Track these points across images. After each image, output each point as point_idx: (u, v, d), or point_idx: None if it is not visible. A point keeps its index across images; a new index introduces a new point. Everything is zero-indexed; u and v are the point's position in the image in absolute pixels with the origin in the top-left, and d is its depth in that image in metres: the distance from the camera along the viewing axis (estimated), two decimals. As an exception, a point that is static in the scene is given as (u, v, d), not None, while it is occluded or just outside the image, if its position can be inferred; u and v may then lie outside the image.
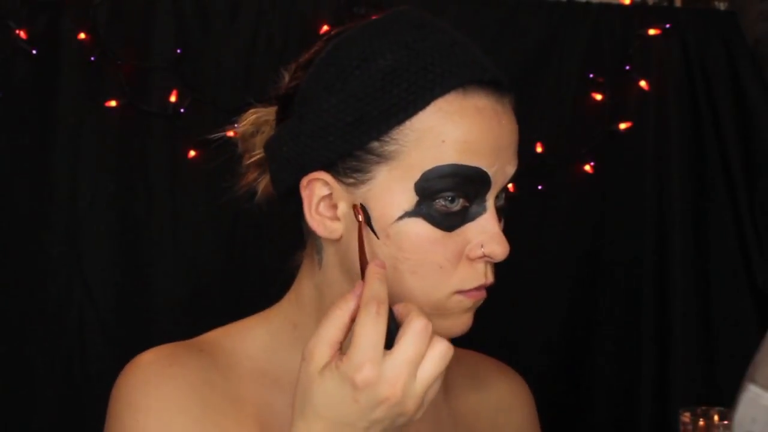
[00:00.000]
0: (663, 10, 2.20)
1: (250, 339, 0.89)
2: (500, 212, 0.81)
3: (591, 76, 2.09)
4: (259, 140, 0.89)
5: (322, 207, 0.81)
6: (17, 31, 1.87)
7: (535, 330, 2.08)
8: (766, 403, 0.77)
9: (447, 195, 0.76)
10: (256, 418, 0.85)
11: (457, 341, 0.83)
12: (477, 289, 0.80)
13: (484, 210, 0.78)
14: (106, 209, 1.94)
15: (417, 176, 0.76)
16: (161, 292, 1.95)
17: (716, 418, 1.01)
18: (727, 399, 0.95)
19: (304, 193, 0.81)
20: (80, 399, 1.89)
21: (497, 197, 0.80)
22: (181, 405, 0.82)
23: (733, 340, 2.09)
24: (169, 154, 1.96)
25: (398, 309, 0.72)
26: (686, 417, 1.02)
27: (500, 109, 0.79)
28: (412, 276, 0.78)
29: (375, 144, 0.77)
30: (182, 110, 1.94)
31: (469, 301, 0.80)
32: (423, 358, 0.70)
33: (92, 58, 1.91)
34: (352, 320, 0.72)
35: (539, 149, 2.06)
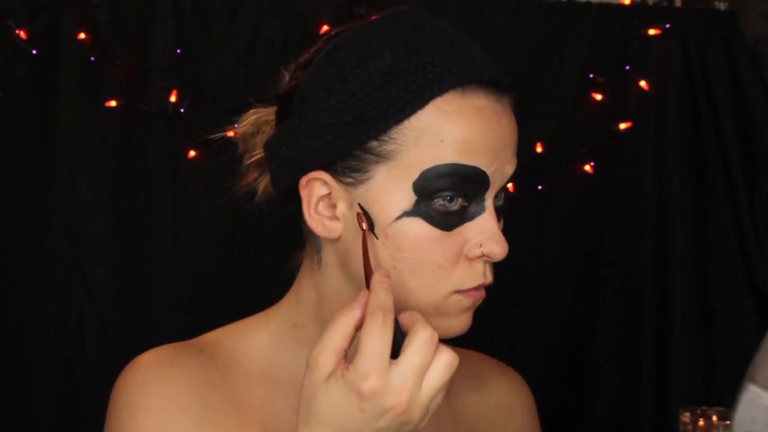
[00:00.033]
0: (663, 10, 2.20)
1: (250, 339, 0.89)
2: (499, 212, 0.80)
3: (591, 76, 2.09)
4: (260, 140, 0.89)
5: (321, 206, 0.81)
6: (17, 31, 1.87)
7: (535, 330, 2.08)
8: (766, 403, 0.77)
9: (445, 194, 0.76)
10: (255, 418, 0.85)
11: (457, 341, 0.83)
12: (476, 288, 0.79)
13: (483, 209, 0.78)
14: (106, 209, 1.94)
15: (415, 176, 0.76)
16: (161, 292, 1.95)
17: (716, 418, 1.01)
18: (727, 399, 0.95)
19: (303, 193, 0.81)
20: (80, 399, 1.89)
21: (496, 197, 0.80)
22: (181, 405, 0.82)
23: (733, 340, 2.09)
24: (169, 154, 1.96)
25: (403, 318, 0.73)
26: (686, 417, 1.02)
27: (499, 108, 0.79)
28: (411, 276, 0.78)
29: (374, 143, 0.77)
30: (182, 110, 1.94)
31: (468, 301, 0.80)
32: (429, 367, 0.70)
33: (92, 58, 1.91)
34: (357, 328, 0.72)
35: (539, 149, 2.06)
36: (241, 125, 0.90)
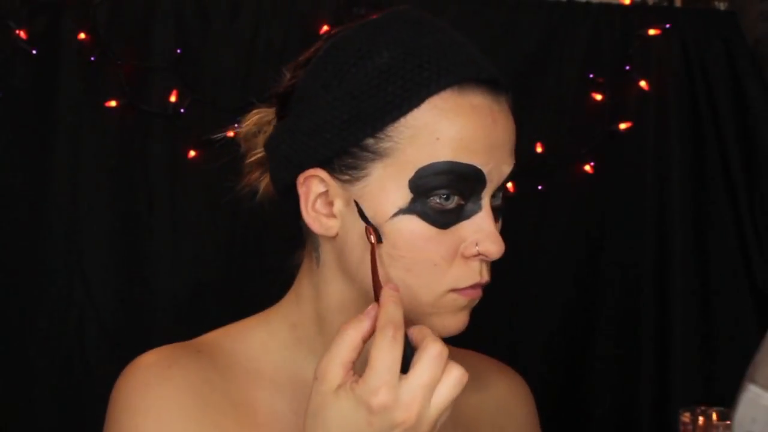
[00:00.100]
0: (663, 10, 2.20)
1: (249, 339, 0.89)
2: (497, 212, 0.80)
3: (591, 76, 2.09)
4: (261, 140, 0.89)
5: (319, 204, 0.81)
6: (17, 31, 1.87)
7: (535, 330, 2.08)
8: (766, 403, 0.77)
9: (441, 192, 0.76)
10: (255, 417, 0.85)
11: (457, 341, 0.83)
12: (472, 287, 0.79)
13: (479, 208, 0.78)
14: (106, 209, 1.94)
15: (411, 173, 0.76)
16: (161, 292, 1.95)
17: (716, 418, 1.01)
18: (727, 399, 0.95)
19: (301, 190, 0.81)
20: (80, 399, 1.89)
21: (494, 196, 0.80)
22: (180, 406, 0.82)
23: (733, 340, 2.09)
24: (169, 154, 1.96)
25: (413, 333, 0.73)
26: (686, 417, 1.02)
27: (496, 107, 0.79)
28: (407, 274, 0.78)
29: (370, 141, 0.77)
30: (182, 110, 1.94)
31: (464, 300, 0.80)
32: (438, 382, 0.70)
33: (92, 58, 1.91)
34: (365, 340, 0.72)
35: (539, 149, 2.06)
36: (243, 125, 0.91)
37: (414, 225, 0.77)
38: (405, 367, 0.70)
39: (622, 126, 2.10)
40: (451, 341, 0.78)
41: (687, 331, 2.09)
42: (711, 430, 0.99)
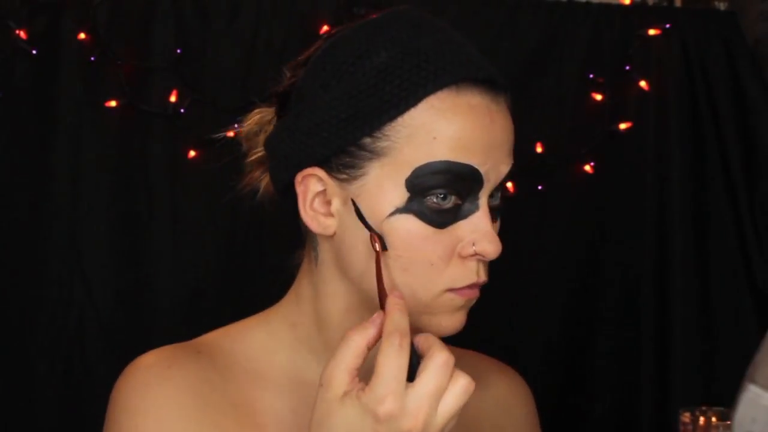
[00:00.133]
0: (663, 10, 2.20)
1: (249, 339, 0.89)
2: (495, 212, 0.80)
3: (591, 76, 2.10)
4: (262, 139, 0.89)
5: (317, 203, 0.81)
6: (17, 31, 1.87)
7: (535, 330, 2.08)
8: (766, 403, 0.77)
9: (438, 192, 0.76)
10: (255, 418, 0.85)
11: (457, 341, 0.83)
12: (469, 287, 0.79)
13: (476, 208, 0.78)
14: (106, 209, 1.94)
15: (408, 173, 0.76)
16: (161, 292, 1.95)
17: (716, 418, 1.01)
18: (727, 399, 0.95)
19: (299, 189, 0.81)
20: (80, 399, 1.89)
21: (492, 196, 0.79)
22: (180, 406, 0.82)
23: (733, 340, 2.09)
24: (169, 154, 1.96)
25: (419, 341, 0.72)
26: (686, 417, 1.02)
27: (494, 107, 0.79)
28: (404, 273, 0.77)
29: (367, 140, 0.77)
30: (182, 110, 1.94)
31: (460, 300, 0.79)
32: (445, 391, 0.70)
33: (92, 58, 1.91)
34: (369, 347, 0.72)
35: (539, 149, 2.06)
36: (245, 124, 0.91)
37: (411, 224, 0.77)
38: (411, 376, 0.70)
39: (622, 126, 2.10)
40: (450, 341, 0.78)
41: (687, 331, 2.09)
42: (711, 430, 0.99)
